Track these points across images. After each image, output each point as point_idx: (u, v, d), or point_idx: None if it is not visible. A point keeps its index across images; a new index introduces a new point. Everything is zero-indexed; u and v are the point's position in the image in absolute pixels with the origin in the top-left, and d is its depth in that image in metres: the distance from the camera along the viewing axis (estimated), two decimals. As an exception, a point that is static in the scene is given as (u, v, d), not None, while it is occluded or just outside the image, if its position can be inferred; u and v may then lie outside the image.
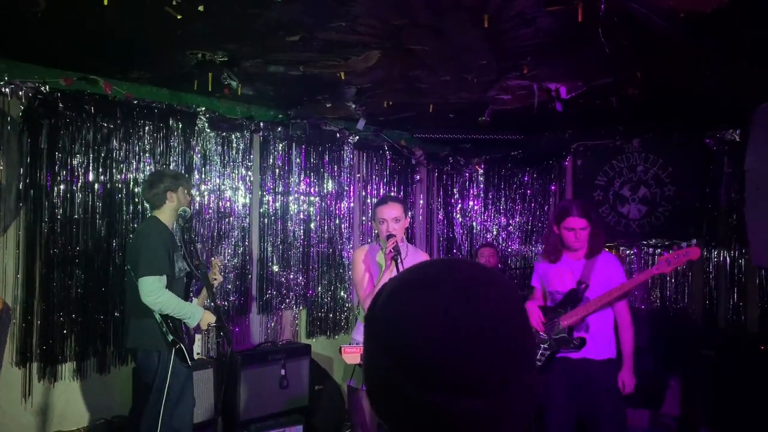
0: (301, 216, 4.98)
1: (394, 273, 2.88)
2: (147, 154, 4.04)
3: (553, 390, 3.33)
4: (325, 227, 5.15)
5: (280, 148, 4.83)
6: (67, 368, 3.71)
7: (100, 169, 3.83)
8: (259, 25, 2.85)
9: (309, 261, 5.02)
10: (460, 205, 6.37)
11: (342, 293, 5.24)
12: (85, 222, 3.77)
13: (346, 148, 5.27)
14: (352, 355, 2.78)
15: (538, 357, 3.33)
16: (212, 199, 4.43)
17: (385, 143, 5.59)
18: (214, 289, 3.39)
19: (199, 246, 4.19)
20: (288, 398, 4.30)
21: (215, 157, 4.43)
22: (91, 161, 3.79)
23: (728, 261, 4.73)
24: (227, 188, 4.51)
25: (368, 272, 3.25)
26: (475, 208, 6.34)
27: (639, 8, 2.55)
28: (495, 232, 6.19)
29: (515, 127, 5.31)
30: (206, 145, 4.37)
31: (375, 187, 5.58)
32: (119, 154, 3.92)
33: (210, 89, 3.89)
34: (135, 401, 3.66)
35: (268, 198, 4.78)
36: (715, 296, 4.79)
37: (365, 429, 3.20)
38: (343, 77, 3.67)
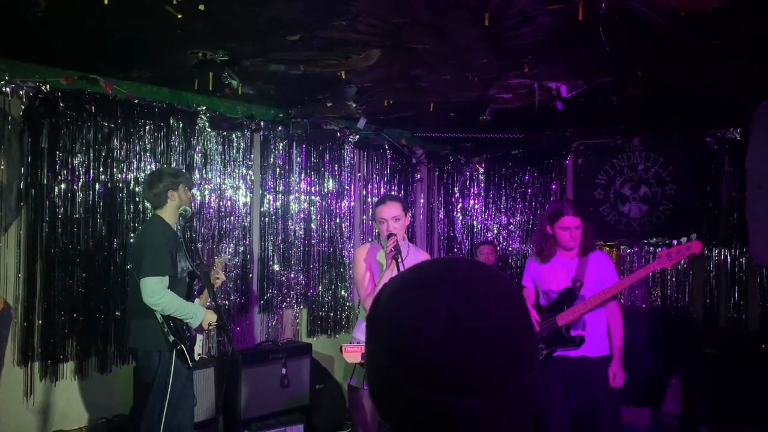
0: (302, 215, 4.98)
1: (395, 272, 2.89)
2: (148, 154, 4.05)
3: (552, 389, 3.33)
4: (326, 226, 5.15)
5: (280, 147, 4.83)
6: (68, 367, 3.71)
7: (101, 169, 3.84)
8: (260, 24, 2.85)
9: (310, 260, 5.03)
10: (460, 204, 6.37)
11: (343, 292, 5.24)
12: (86, 221, 3.77)
13: (346, 147, 5.27)
14: (353, 354, 2.78)
15: (537, 356, 3.32)
16: (213, 198, 4.43)
17: (386, 142, 5.59)
18: (216, 289, 3.39)
19: (199, 245, 4.19)
20: (289, 397, 4.30)
21: (216, 157, 4.44)
22: (91, 160, 3.79)
23: (729, 259, 4.73)
24: (228, 187, 4.51)
25: (369, 271, 3.25)
26: (476, 206, 6.34)
27: (640, 6, 2.55)
28: (496, 231, 6.19)
29: (516, 126, 5.30)
30: (207, 144, 4.38)
31: (375, 186, 5.58)
32: (120, 153, 3.92)
33: (210, 88, 3.89)
34: (136, 401, 3.66)
35: (269, 197, 4.78)
36: (716, 295, 4.79)
37: (366, 428, 3.20)
38: (343, 76, 3.67)
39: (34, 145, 3.56)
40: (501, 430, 0.69)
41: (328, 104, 4.54)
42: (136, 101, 3.97)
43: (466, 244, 6.33)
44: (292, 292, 4.92)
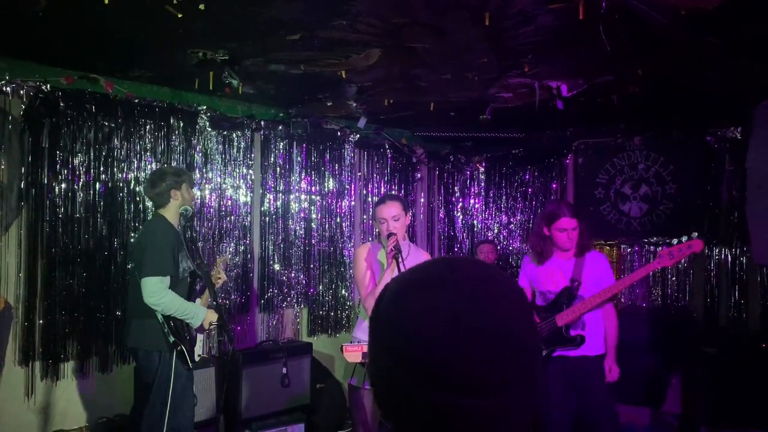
0: (303, 214, 4.98)
1: (396, 272, 2.89)
2: (148, 153, 4.05)
3: (552, 389, 3.33)
4: (326, 226, 5.15)
5: (281, 147, 4.83)
6: (68, 367, 3.72)
7: (102, 168, 3.84)
8: (260, 24, 2.85)
9: (310, 259, 5.03)
10: (461, 204, 6.37)
11: (343, 291, 5.24)
12: (87, 221, 3.77)
13: (347, 146, 5.27)
14: (354, 354, 2.78)
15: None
16: (213, 197, 4.43)
17: (386, 141, 5.59)
18: (217, 288, 3.38)
19: (200, 245, 4.19)
20: (289, 396, 4.31)
21: (216, 156, 4.44)
22: (92, 160, 3.79)
23: (729, 259, 4.72)
24: (228, 187, 4.52)
25: (370, 270, 3.25)
26: (476, 206, 6.33)
27: (640, 5, 2.55)
28: (496, 230, 6.19)
29: (516, 125, 5.30)
30: (207, 143, 4.38)
31: (376, 185, 5.58)
32: (120, 153, 3.92)
33: (211, 88, 3.89)
34: (136, 401, 3.67)
35: (270, 196, 4.78)
36: (717, 294, 4.79)
37: (366, 427, 3.20)
38: (343, 76, 3.67)
39: (34, 145, 3.56)
40: (503, 430, 0.69)
41: (329, 104, 4.54)
42: (136, 101, 3.97)
43: (467, 243, 6.32)
44: (292, 292, 4.93)
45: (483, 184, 6.28)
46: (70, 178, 3.70)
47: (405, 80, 3.86)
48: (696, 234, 3.21)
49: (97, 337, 3.80)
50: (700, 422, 4.27)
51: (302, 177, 4.97)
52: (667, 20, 2.69)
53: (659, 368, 4.74)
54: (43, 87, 3.55)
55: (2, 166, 3.46)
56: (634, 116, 4.98)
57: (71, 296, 3.70)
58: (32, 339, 3.56)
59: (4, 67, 3.45)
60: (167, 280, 3.11)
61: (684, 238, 3.20)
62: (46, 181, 3.60)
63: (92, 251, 3.79)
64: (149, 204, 4.02)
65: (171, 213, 3.29)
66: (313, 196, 5.05)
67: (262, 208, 4.75)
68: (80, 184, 3.75)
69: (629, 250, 5.28)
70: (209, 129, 4.37)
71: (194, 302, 3.31)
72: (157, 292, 3.03)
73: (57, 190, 3.66)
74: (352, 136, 5.26)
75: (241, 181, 4.59)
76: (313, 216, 5.05)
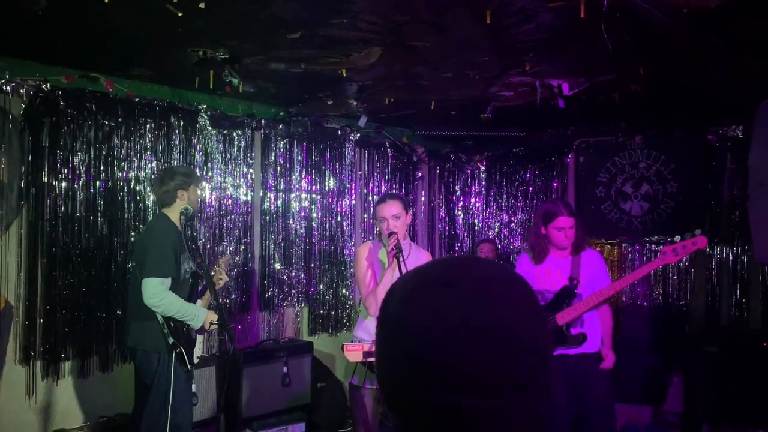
0: (303, 213, 4.98)
1: (397, 271, 2.88)
2: (148, 152, 4.04)
3: (553, 389, 3.33)
4: (327, 224, 5.14)
5: (281, 146, 4.83)
6: (69, 366, 3.72)
7: (102, 167, 3.83)
8: (260, 22, 2.85)
9: (311, 258, 5.03)
10: (461, 202, 6.37)
11: (344, 290, 5.24)
12: (87, 220, 3.77)
13: (347, 145, 5.27)
14: (355, 353, 2.77)
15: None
16: (214, 196, 4.43)
17: (387, 140, 5.59)
18: (218, 288, 3.37)
19: (200, 243, 4.18)
20: (290, 396, 4.30)
21: (217, 155, 4.43)
22: (92, 159, 3.79)
23: (731, 257, 4.71)
24: (229, 186, 4.51)
25: (371, 269, 3.25)
26: (477, 205, 6.33)
27: (642, 4, 2.54)
28: (497, 229, 6.18)
29: (517, 124, 5.29)
30: (208, 142, 4.37)
31: (377, 184, 5.58)
32: (121, 152, 3.92)
33: (211, 87, 3.89)
34: (137, 401, 3.66)
35: (270, 195, 4.78)
36: (718, 293, 4.78)
37: (367, 426, 3.19)
38: (344, 74, 3.66)
39: (34, 144, 3.56)
40: (518, 429, 0.68)
41: (329, 102, 4.53)
42: (136, 100, 3.96)
43: (467, 242, 6.32)
44: (293, 291, 4.92)
45: (484, 182, 6.28)
46: (70, 177, 3.70)
47: (406, 78, 3.85)
48: (699, 231, 3.21)
49: (98, 336, 3.80)
50: (701, 421, 4.26)
51: (303, 176, 4.97)
52: (669, 18, 2.68)
53: (660, 367, 4.74)
54: (44, 86, 3.54)
55: (2, 166, 3.46)
56: (635, 115, 4.98)
57: (72, 295, 3.69)
58: (33, 338, 3.56)
59: (4, 66, 3.44)
60: (168, 281, 3.09)
61: (687, 235, 3.19)
62: (46, 180, 3.60)
63: (93, 250, 3.78)
64: (150, 203, 4.02)
65: (175, 213, 3.27)
66: (314, 195, 5.05)
67: (263, 207, 4.74)
68: (80, 183, 3.74)
69: (630, 249, 5.28)
70: (210, 128, 4.36)
71: (195, 303, 3.30)
72: (158, 294, 3.02)
73: (57, 189, 3.65)
74: (352, 134, 5.25)
75: (242, 180, 4.58)
76: (314, 215, 5.05)
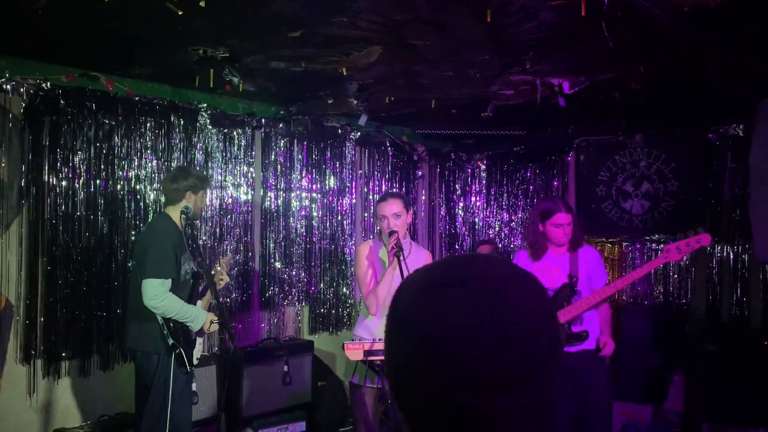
0: (303, 212, 4.98)
1: (398, 270, 2.88)
2: (149, 151, 4.04)
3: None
4: (327, 223, 5.14)
5: (281, 145, 4.83)
6: (70, 365, 3.71)
7: (102, 166, 3.83)
8: (261, 21, 2.84)
9: (311, 257, 5.03)
10: (462, 202, 6.36)
11: (344, 289, 5.24)
12: (87, 219, 3.77)
13: (347, 144, 5.26)
14: (355, 352, 2.78)
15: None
16: (214, 195, 4.42)
17: (387, 139, 5.58)
18: (218, 288, 3.36)
19: (201, 241, 4.18)
20: (290, 394, 4.30)
21: (217, 154, 4.43)
22: (92, 158, 3.79)
23: (732, 256, 4.71)
24: (229, 185, 4.51)
25: (371, 268, 3.25)
26: (478, 204, 6.32)
27: (642, 2, 2.54)
28: (497, 228, 6.18)
29: (518, 123, 5.29)
30: (208, 141, 4.37)
31: (377, 183, 5.58)
32: (121, 151, 3.92)
33: (211, 86, 3.89)
34: (137, 401, 3.66)
35: (270, 194, 4.77)
36: (719, 291, 4.78)
37: (368, 425, 3.20)
38: (344, 73, 3.66)
39: (35, 143, 3.56)
40: (533, 426, 0.68)
41: (329, 101, 4.53)
42: (137, 98, 3.96)
43: (468, 241, 6.32)
44: (293, 290, 4.92)
45: (484, 181, 6.27)
46: (70, 176, 3.70)
47: (406, 77, 3.85)
48: (702, 228, 3.21)
49: (99, 335, 3.80)
50: (702, 420, 4.26)
51: (303, 175, 4.97)
52: (669, 17, 2.68)
53: (661, 366, 4.74)
54: (44, 85, 3.54)
55: (3, 164, 3.46)
56: (636, 113, 4.97)
57: (72, 294, 3.69)
58: (33, 337, 3.56)
59: (4, 65, 3.44)
60: (168, 282, 3.08)
61: (691, 233, 3.20)
62: (46, 179, 3.60)
63: (93, 249, 3.78)
64: (150, 202, 4.02)
65: (177, 212, 3.26)
66: (314, 194, 5.04)
67: (263, 206, 4.74)
68: (81, 182, 3.74)
69: (631, 247, 5.27)
70: (210, 127, 4.36)
71: (195, 305, 3.29)
72: (158, 295, 3.01)
73: (58, 188, 3.65)
74: (353, 133, 5.25)
75: (242, 178, 4.58)
76: (314, 214, 5.04)
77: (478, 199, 6.32)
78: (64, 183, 3.67)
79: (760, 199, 3.78)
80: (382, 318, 3.18)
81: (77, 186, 3.73)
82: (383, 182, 5.62)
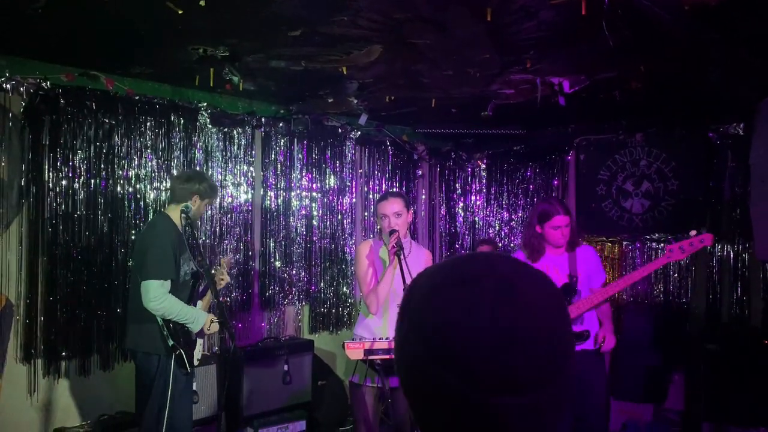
0: (304, 212, 4.98)
1: (398, 269, 2.88)
2: (149, 150, 4.04)
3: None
4: (328, 223, 5.14)
5: (281, 144, 4.82)
6: (70, 364, 3.71)
7: (102, 165, 3.83)
8: (261, 20, 2.84)
9: (311, 257, 5.02)
10: (462, 201, 6.36)
11: (345, 289, 5.24)
12: (88, 218, 3.77)
13: (348, 143, 5.26)
14: (356, 351, 2.77)
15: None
16: (214, 195, 4.42)
17: (387, 138, 5.58)
18: (219, 288, 3.36)
19: (201, 240, 4.18)
20: (291, 394, 4.31)
21: (217, 153, 4.43)
22: (92, 157, 3.78)
23: (732, 255, 4.71)
24: (229, 184, 4.51)
25: (372, 267, 3.25)
26: (478, 203, 6.32)
27: (643, 1, 2.54)
28: (497, 227, 6.18)
29: (518, 122, 5.29)
30: (208, 140, 4.37)
31: (377, 182, 5.57)
32: (121, 150, 3.91)
33: (211, 85, 3.88)
34: (138, 401, 3.66)
35: (270, 194, 4.77)
36: (719, 290, 4.78)
37: (368, 424, 3.20)
38: (344, 72, 3.66)
39: (35, 142, 3.56)
40: (546, 425, 0.68)
41: (330, 100, 4.53)
42: (137, 98, 3.96)
43: (468, 240, 6.32)
44: (293, 289, 4.92)
45: (484, 180, 6.27)
46: (70, 175, 3.69)
47: (406, 76, 3.85)
48: (703, 228, 3.21)
49: (99, 334, 3.80)
50: (702, 419, 4.26)
51: (303, 174, 4.97)
52: (670, 16, 2.68)
53: (661, 365, 4.74)
54: (44, 84, 3.54)
55: (3, 164, 3.46)
56: (636, 113, 4.97)
57: (72, 293, 3.69)
58: (34, 336, 3.56)
59: (4, 65, 3.44)
60: (168, 284, 3.07)
61: (693, 233, 3.20)
62: (46, 179, 3.60)
63: (93, 248, 3.78)
64: (150, 201, 4.02)
65: (178, 213, 3.24)
66: (314, 193, 5.04)
67: (263, 206, 4.74)
68: (81, 181, 3.74)
69: (631, 246, 5.27)
70: (210, 126, 4.36)
71: (195, 305, 3.28)
72: (158, 297, 3.00)
73: (58, 187, 3.65)
74: (353, 132, 5.25)
75: (242, 178, 4.58)
76: (314, 213, 5.04)
77: (478, 198, 6.32)
78: (64, 182, 3.67)
79: (760, 198, 3.78)
80: (383, 317, 3.18)
81: (77, 185, 3.72)
82: (383, 181, 5.61)
